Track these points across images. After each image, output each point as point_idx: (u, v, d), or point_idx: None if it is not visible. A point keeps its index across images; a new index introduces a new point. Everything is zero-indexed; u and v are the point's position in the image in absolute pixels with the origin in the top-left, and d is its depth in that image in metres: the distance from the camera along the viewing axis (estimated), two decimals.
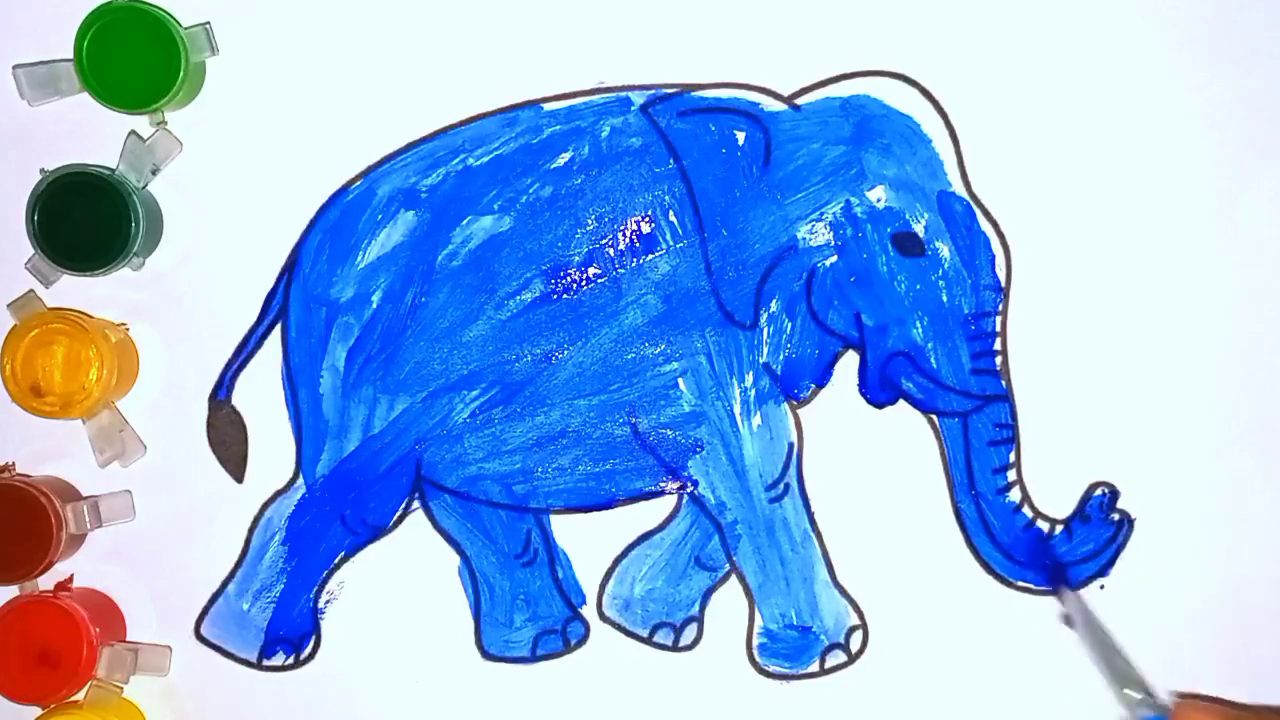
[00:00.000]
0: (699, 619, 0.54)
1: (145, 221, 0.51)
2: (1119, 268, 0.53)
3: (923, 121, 0.52)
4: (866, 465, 0.53)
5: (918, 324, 0.52)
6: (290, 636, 0.54)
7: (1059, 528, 0.53)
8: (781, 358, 0.53)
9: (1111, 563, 0.54)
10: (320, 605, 0.54)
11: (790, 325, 0.53)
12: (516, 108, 0.53)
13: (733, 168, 0.52)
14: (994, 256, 0.53)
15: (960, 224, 0.52)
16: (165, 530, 0.54)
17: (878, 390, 0.53)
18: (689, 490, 0.53)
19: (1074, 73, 0.53)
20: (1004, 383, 0.53)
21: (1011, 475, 0.53)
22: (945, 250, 0.52)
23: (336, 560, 0.54)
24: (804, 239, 0.52)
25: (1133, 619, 0.54)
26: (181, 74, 0.50)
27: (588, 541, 0.54)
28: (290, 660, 0.54)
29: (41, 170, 0.51)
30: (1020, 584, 0.54)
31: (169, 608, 0.54)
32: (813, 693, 0.54)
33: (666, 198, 0.52)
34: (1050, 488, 0.53)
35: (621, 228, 0.52)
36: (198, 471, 0.53)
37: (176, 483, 0.54)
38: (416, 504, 0.54)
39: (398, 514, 0.54)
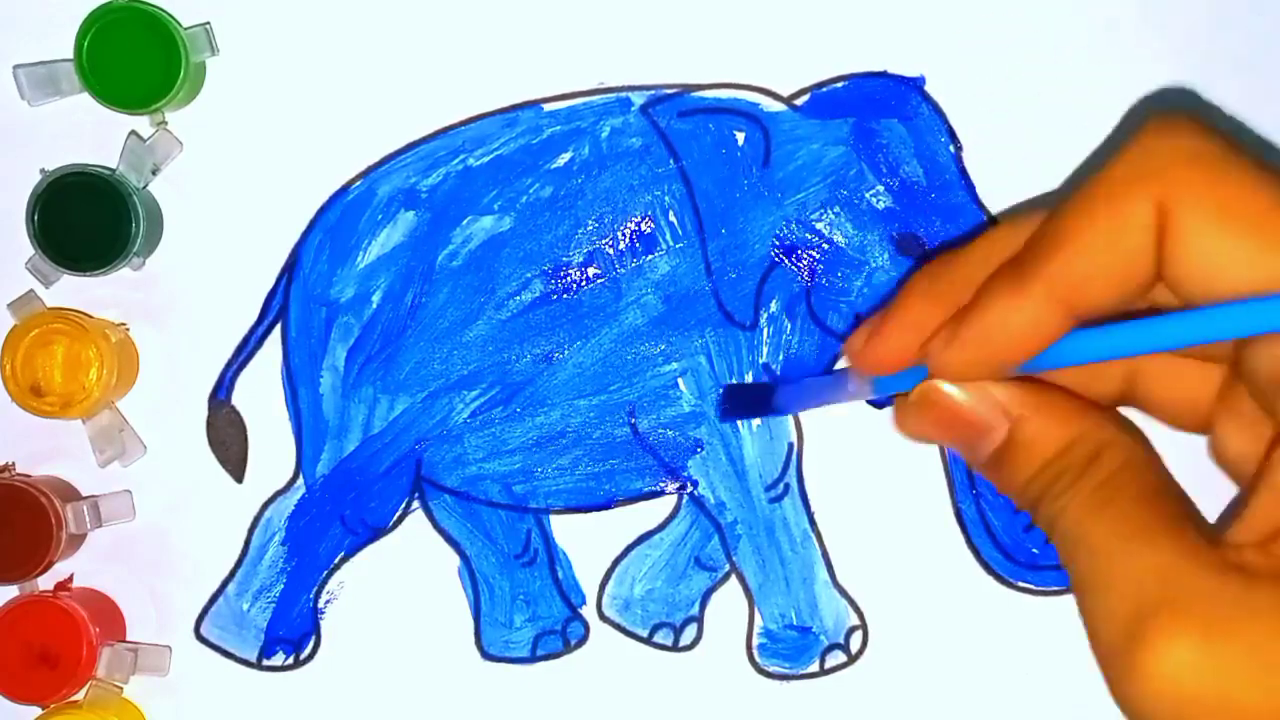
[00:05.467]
0: (699, 619, 0.54)
1: (145, 221, 0.51)
2: None
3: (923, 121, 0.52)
4: (866, 465, 0.53)
5: None
6: (290, 636, 0.54)
7: None
8: (781, 358, 0.53)
9: None
10: (320, 605, 0.54)
11: (790, 325, 0.53)
12: (517, 108, 0.53)
13: (733, 168, 0.52)
14: None
15: (961, 224, 0.52)
16: (165, 530, 0.54)
17: None
18: (689, 490, 0.53)
19: (1075, 73, 0.53)
20: None
21: None
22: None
23: (336, 560, 0.54)
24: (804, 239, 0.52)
25: None
26: (182, 74, 0.50)
27: (588, 541, 0.54)
28: (290, 660, 0.54)
29: (41, 170, 0.51)
30: (1021, 584, 0.54)
31: (169, 608, 0.54)
32: (813, 693, 0.54)
33: (666, 198, 0.52)
34: None
35: (621, 228, 0.52)
36: (198, 471, 0.53)
37: (176, 483, 0.54)
38: (416, 504, 0.54)
39: (398, 514, 0.54)
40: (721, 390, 0.52)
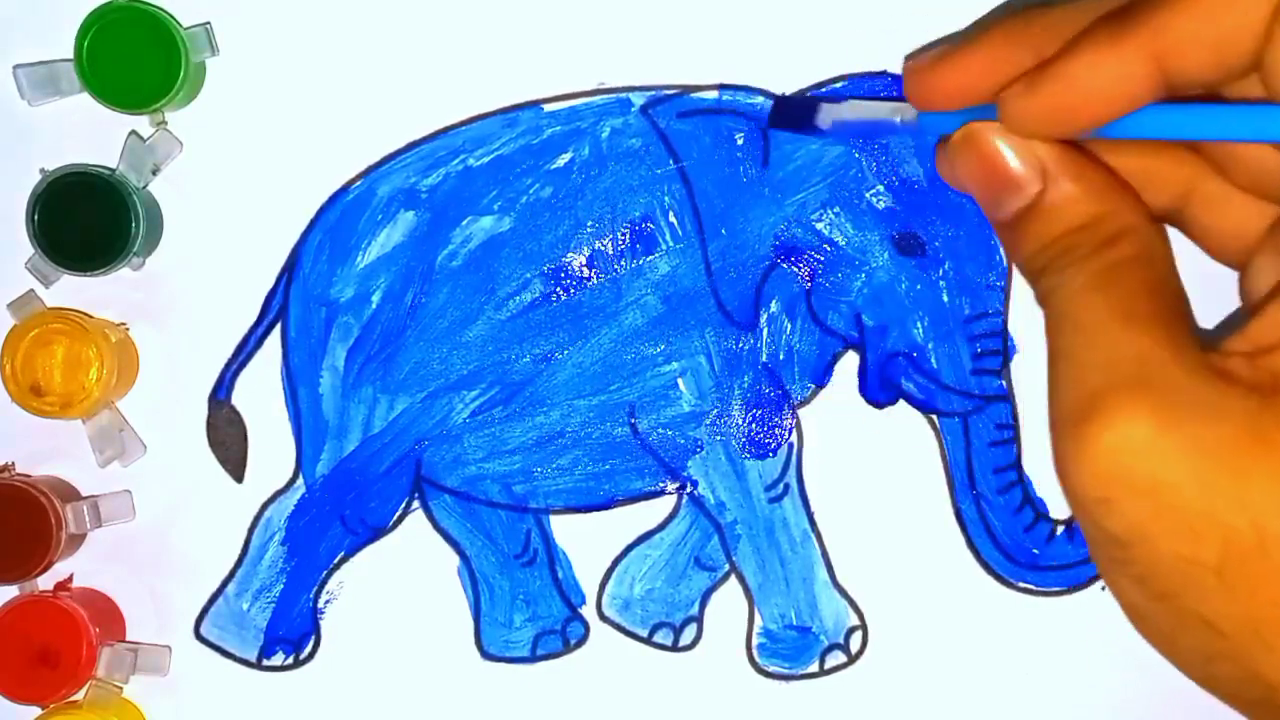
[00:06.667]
0: (698, 619, 0.54)
1: (145, 221, 0.51)
2: None
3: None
4: (866, 465, 0.53)
5: (918, 324, 0.52)
6: (290, 636, 0.54)
7: (1060, 528, 0.53)
8: (782, 358, 0.53)
9: None
10: (320, 605, 0.54)
11: (790, 325, 0.53)
12: (517, 108, 0.53)
13: (732, 168, 0.52)
14: (995, 255, 0.53)
15: (961, 224, 0.52)
16: (165, 530, 0.54)
17: (878, 390, 0.53)
18: (689, 490, 0.53)
19: None
20: (1004, 383, 0.53)
21: (1013, 475, 0.53)
22: (946, 250, 0.52)
23: (336, 560, 0.54)
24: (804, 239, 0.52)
25: None
26: (182, 74, 0.50)
27: (588, 541, 0.54)
28: (290, 660, 0.54)
29: (41, 170, 0.51)
30: (1021, 584, 0.54)
31: (169, 608, 0.54)
32: (812, 693, 0.54)
33: (666, 198, 0.52)
34: (1051, 488, 0.53)
35: (621, 228, 0.52)
36: (198, 472, 0.53)
37: (176, 483, 0.54)
38: (416, 504, 0.54)
39: (397, 514, 0.54)
40: (772, 101, 0.51)
